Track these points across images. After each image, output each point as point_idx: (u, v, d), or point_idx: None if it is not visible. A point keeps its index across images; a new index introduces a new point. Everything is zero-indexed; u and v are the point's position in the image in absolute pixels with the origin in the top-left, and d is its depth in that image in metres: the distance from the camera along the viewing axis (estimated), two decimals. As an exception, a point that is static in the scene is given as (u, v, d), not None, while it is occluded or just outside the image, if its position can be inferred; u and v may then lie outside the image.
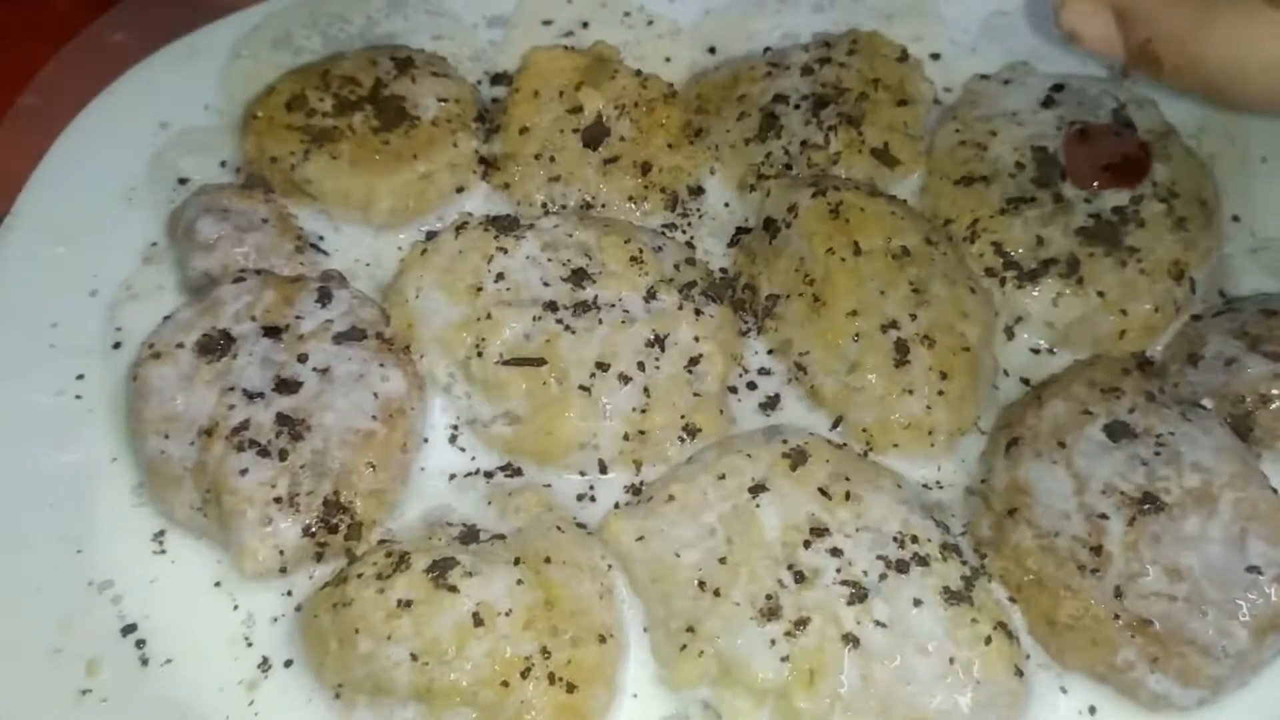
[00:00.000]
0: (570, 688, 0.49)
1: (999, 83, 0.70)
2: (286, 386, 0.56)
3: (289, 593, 0.54)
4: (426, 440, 0.59)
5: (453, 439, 0.59)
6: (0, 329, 0.61)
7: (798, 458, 0.54)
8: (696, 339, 0.59)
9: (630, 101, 0.68)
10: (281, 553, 0.53)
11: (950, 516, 0.57)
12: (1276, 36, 0.45)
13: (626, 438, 0.57)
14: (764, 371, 0.61)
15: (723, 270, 0.65)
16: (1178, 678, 0.50)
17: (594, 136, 0.67)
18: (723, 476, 0.54)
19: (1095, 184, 0.63)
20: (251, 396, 0.55)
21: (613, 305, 0.59)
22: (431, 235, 0.63)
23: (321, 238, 0.66)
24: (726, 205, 0.68)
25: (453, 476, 0.58)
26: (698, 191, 0.68)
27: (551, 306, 0.58)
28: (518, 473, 0.58)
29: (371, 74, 0.68)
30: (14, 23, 0.81)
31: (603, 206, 0.66)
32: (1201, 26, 0.48)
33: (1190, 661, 0.50)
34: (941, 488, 0.58)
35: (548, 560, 0.52)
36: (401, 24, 0.75)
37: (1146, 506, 0.52)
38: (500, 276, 0.59)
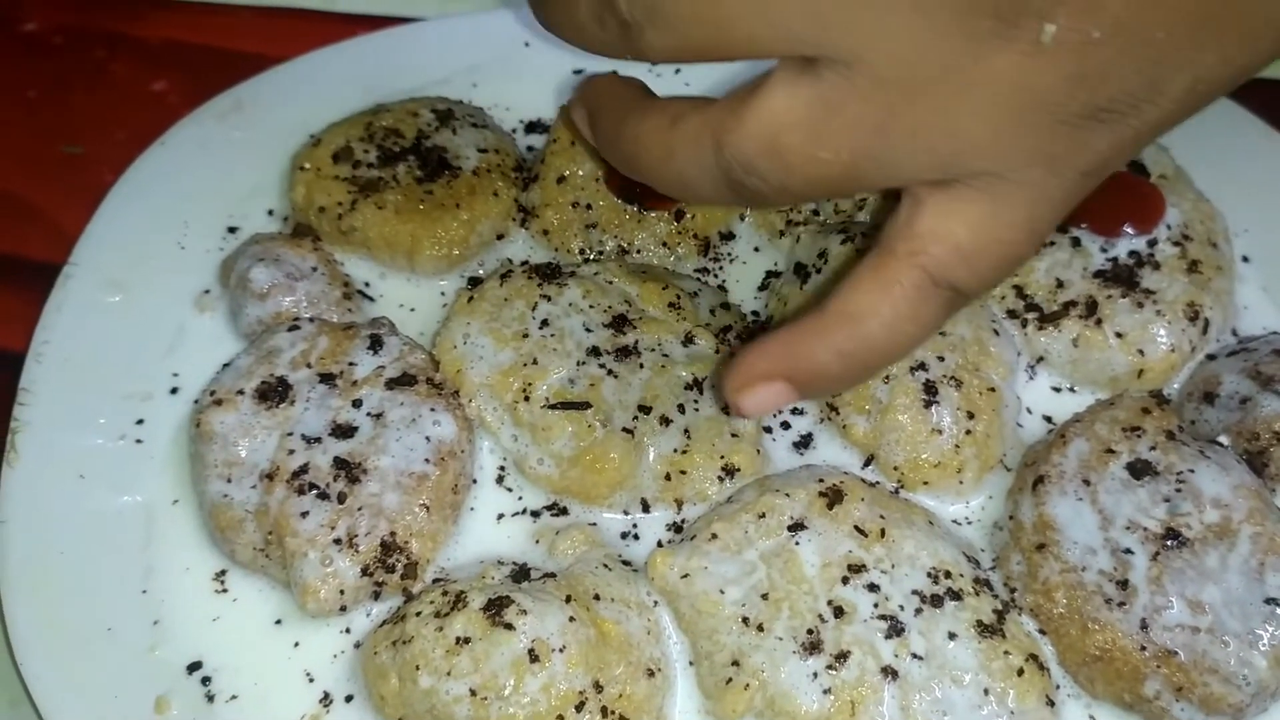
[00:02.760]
0: (622, 720, 0.52)
1: (1016, 129, 0.72)
2: (342, 431, 0.58)
3: (348, 630, 0.56)
4: (475, 481, 0.61)
5: (500, 480, 0.61)
6: (62, 376, 0.64)
7: (834, 496, 0.57)
8: (733, 381, 0.61)
9: (663, 151, 0.70)
10: (342, 592, 0.55)
11: (980, 552, 0.59)
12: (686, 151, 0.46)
13: (668, 477, 0.59)
14: (797, 412, 0.64)
15: (754, 313, 0.68)
16: (1201, 706, 0.53)
17: (628, 184, 0.69)
18: (763, 515, 0.56)
19: (1113, 228, 0.66)
20: (310, 441, 0.58)
21: (652, 350, 0.61)
22: (474, 282, 0.66)
23: (367, 284, 0.68)
24: (756, 250, 0.71)
25: (501, 516, 0.60)
26: (729, 237, 0.71)
27: (594, 351, 0.61)
28: (564, 512, 0.60)
29: (413, 125, 0.71)
30: (53, 71, 0.84)
31: (638, 252, 0.69)
32: (623, 126, 0.50)
33: (1213, 690, 0.52)
34: (970, 524, 0.60)
35: (597, 597, 0.54)
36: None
37: (1169, 542, 0.55)
38: (545, 323, 0.62)
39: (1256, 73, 0.44)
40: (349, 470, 0.57)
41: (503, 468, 0.61)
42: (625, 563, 0.58)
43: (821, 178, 0.42)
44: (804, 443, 0.63)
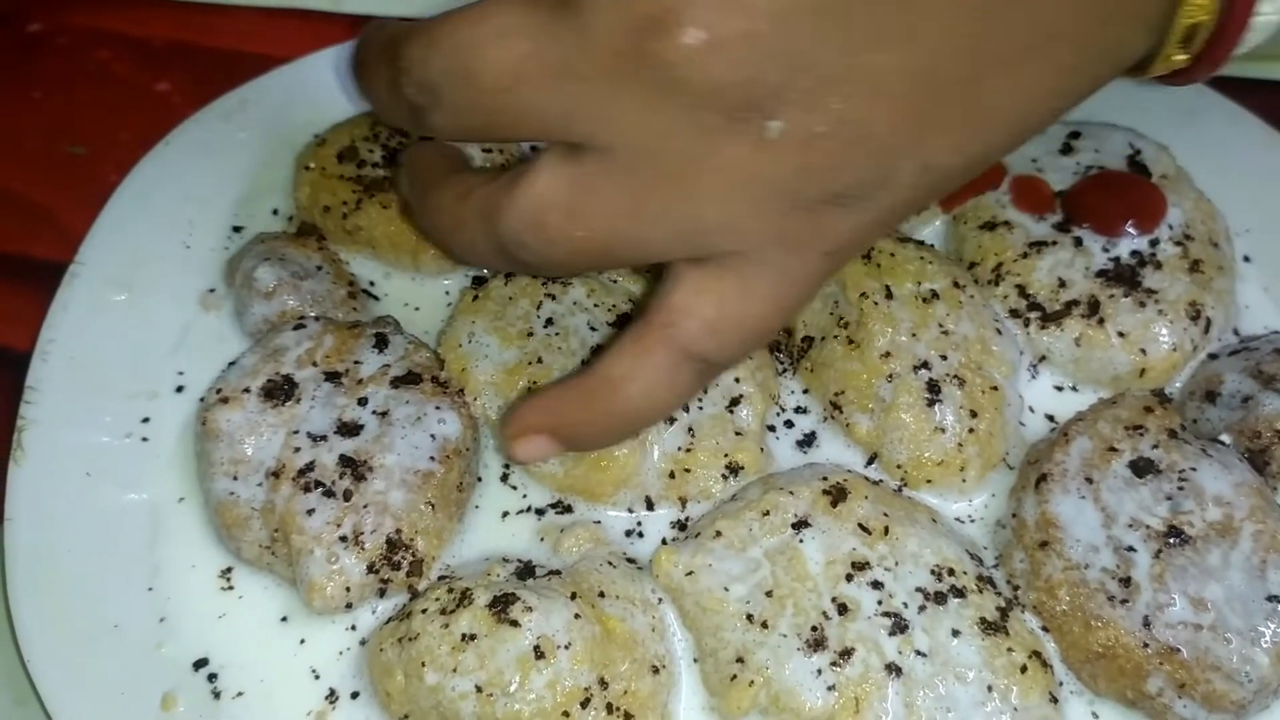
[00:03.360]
0: (627, 717, 0.52)
1: (1018, 130, 0.73)
2: (348, 429, 0.58)
3: (353, 627, 0.57)
4: (480, 479, 0.61)
5: (505, 478, 0.61)
6: (67, 374, 0.64)
7: (837, 494, 0.57)
8: (737, 380, 0.61)
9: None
10: (348, 589, 0.55)
11: (983, 550, 0.59)
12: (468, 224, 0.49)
13: (672, 475, 0.60)
14: (800, 410, 0.64)
15: (758, 312, 0.68)
16: (1204, 703, 0.53)
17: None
18: (767, 513, 0.57)
19: (1115, 229, 0.66)
20: (315, 439, 0.58)
21: (657, 348, 0.62)
22: (479, 281, 0.66)
23: (372, 283, 0.69)
24: (760, 249, 0.71)
25: (505, 514, 0.60)
26: (732, 236, 0.71)
27: (599, 350, 0.61)
28: (568, 510, 0.60)
29: (418, 125, 0.71)
30: (57, 71, 0.84)
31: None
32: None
33: (1216, 687, 0.53)
34: (973, 521, 0.61)
35: (602, 594, 0.55)
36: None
37: (1172, 539, 0.55)
38: (549, 322, 0.62)
39: (1006, 154, 0.47)
40: (355, 468, 0.57)
41: (507, 466, 0.62)
42: (630, 560, 0.58)
43: (581, 252, 0.46)
44: (807, 441, 0.63)
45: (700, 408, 0.60)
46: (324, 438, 0.58)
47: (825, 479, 0.58)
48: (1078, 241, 0.66)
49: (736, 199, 0.43)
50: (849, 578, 0.55)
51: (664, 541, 0.59)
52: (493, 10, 0.43)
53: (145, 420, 0.63)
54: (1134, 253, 0.66)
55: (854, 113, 0.41)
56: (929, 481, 0.60)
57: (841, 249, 0.46)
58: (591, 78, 0.42)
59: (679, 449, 0.60)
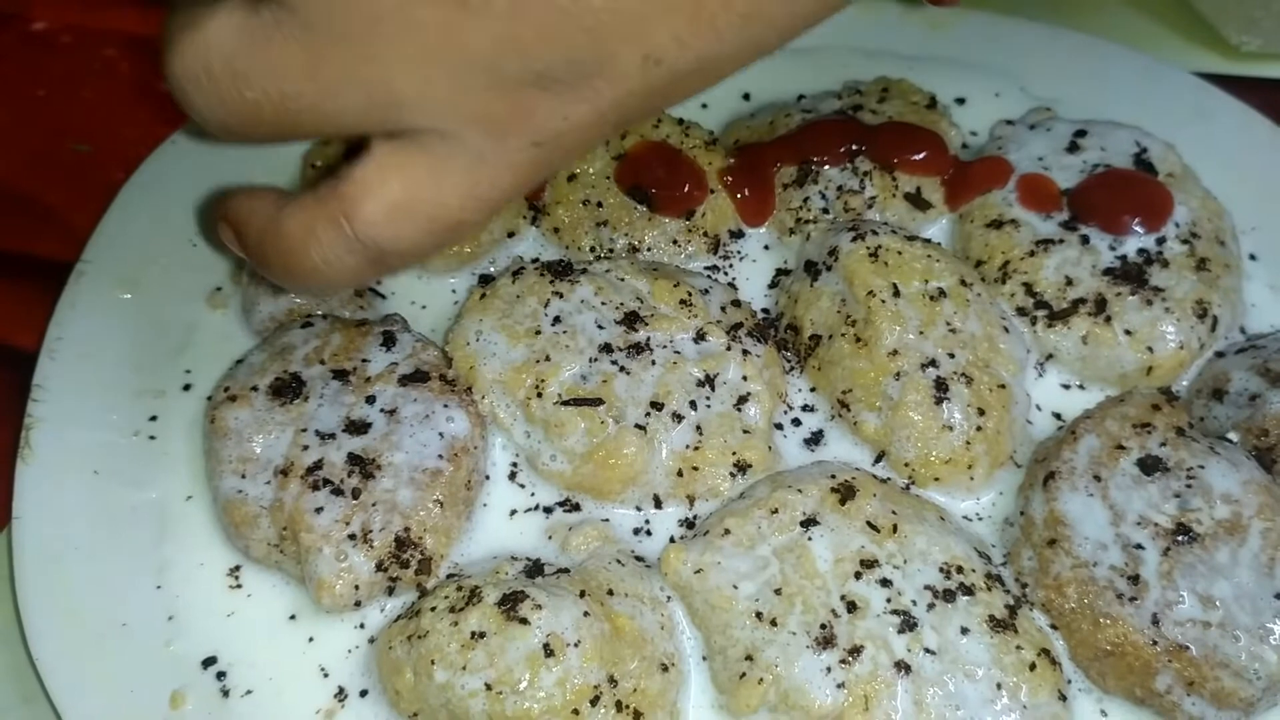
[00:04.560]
0: (637, 715, 0.52)
1: (1024, 128, 0.73)
2: (356, 428, 0.58)
3: (362, 625, 0.57)
4: (488, 477, 0.61)
5: (513, 476, 0.61)
6: (75, 373, 0.64)
7: (846, 492, 0.57)
8: (744, 378, 0.61)
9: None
10: (356, 587, 0.55)
11: (991, 547, 0.59)
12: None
13: (680, 473, 0.60)
14: (808, 408, 0.64)
15: (765, 311, 0.68)
16: (1212, 700, 0.53)
17: (638, 183, 0.69)
18: (775, 511, 0.57)
19: (1121, 227, 0.66)
20: (324, 437, 0.58)
21: (664, 346, 0.62)
22: (485, 279, 0.66)
23: (379, 281, 0.69)
24: (766, 248, 0.71)
25: (514, 512, 0.60)
26: (738, 235, 0.71)
27: (606, 348, 0.61)
28: (576, 508, 0.60)
29: (424, 124, 0.71)
30: (62, 70, 0.84)
31: (649, 250, 0.69)
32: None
33: (1224, 685, 0.53)
34: (981, 519, 0.61)
35: (610, 592, 0.55)
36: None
37: (1180, 537, 0.55)
38: (557, 320, 0.62)
39: (735, 65, 0.43)
40: (363, 466, 0.57)
41: (515, 464, 0.62)
42: (638, 558, 0.58)
43: (254, 118, 0.42)
44: (815, 439, 0.63)
45: (708, 406, 0.60)
46: (332, 436, 0.58)
47: (833, 477, 0.58)
48: (1084, 239, 0.66)
49: (432, 68, 0.39)
50: (858, 575, 0.55)
51: (672, 539, 0.59)
52: None
53: (153, 418, 0.63)
54: (1141, 251, 0.66)
55: None
56: (937, 479, 0.60)
57: (553, 141, 0.42)
58: None
59: (687, 447, 0.60)
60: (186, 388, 0.64)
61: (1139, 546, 0.55)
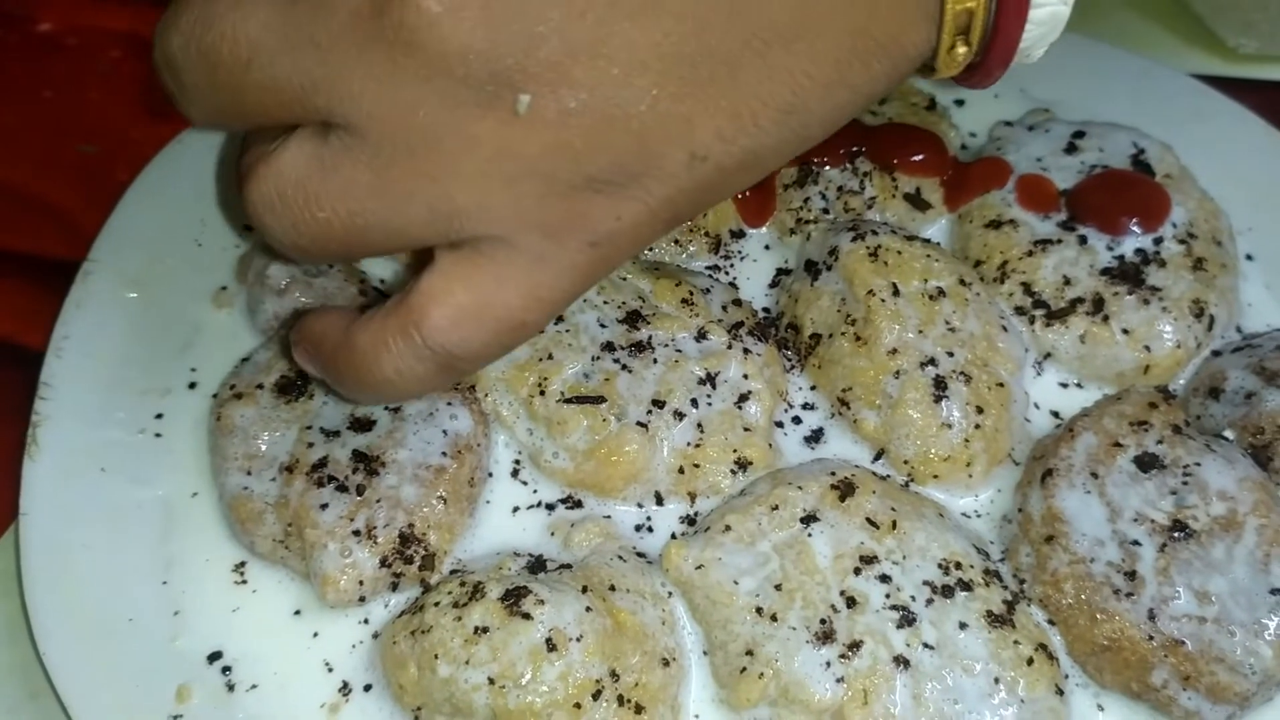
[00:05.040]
0: (638, 709, 0.52)
1: (1023, 129, 0.73)
2: (361, 425, 0.59)
3: (366, 620, 0.57)
4: (491, 474, 0.62)
5: (515, 473, 0.62)
6: (81, 371, 0.64)
7: (846, 489, 0.58)
8: (745, 376, 0.62)
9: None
10: (361, 583, 0.56)
11: (989, 544, 0.60)
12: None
13: (681, 471, 0.60)
14: (808, 406, 0.65)
15: (765, 310, 0.69)
16: (1208, 695, 0.53)
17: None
18: (775, 507, 0.57)
19: (1119, 227, 0.66)
20: (329, 435, 0.59)
21: (666, 345, 0.62)
22: (489, 278, 0.66)
23: (383, 280, 0.69)
24: (767, 248, 0.71)
25: (516, 509, 0.61)
26: (739, 235, 0.71)
27: (609, 347, 0.62)
28: (578, 505, 0.61)
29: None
30: (68, 71, 0.85)
31: (650, 249, 0.69)
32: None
33: (1220, 679, 0.53)
34: (979, 517, 0.61)
35: (612, 588, 0.55)
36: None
37: (1176, 534, 0.56)
38: (559, 318, 0.62)
39: (781, 157, 0.44)
40: (367, 463, 0.58)
41: (518, 461, 0.62)
42: (640, 554, 0.59)
43: (326, 236, 0.44)
44: (815, 437, 0.64)
45: (709, 404, 0.61)
46: (337, 433, 0.59)
47: (833, 474, 0.59)
48: (1082, 240, 0.67)
49: (489, 179, 0.41)
50: (857, 571, 0.55)
51: (673, 536, 0.60)
52: None
53: (159, 416, 0.64)
54: (1138, 251, 0.66)
55: (606, 87, 0.39)
56: (936, 477, 0.61)
57: (608, 241, 0.43)
58: (330, 47, 0.39)
59: (688, 444, 0.60)
60: (192, 386, 0.65)
61: (1136, 543, 0.56)
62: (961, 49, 0.41)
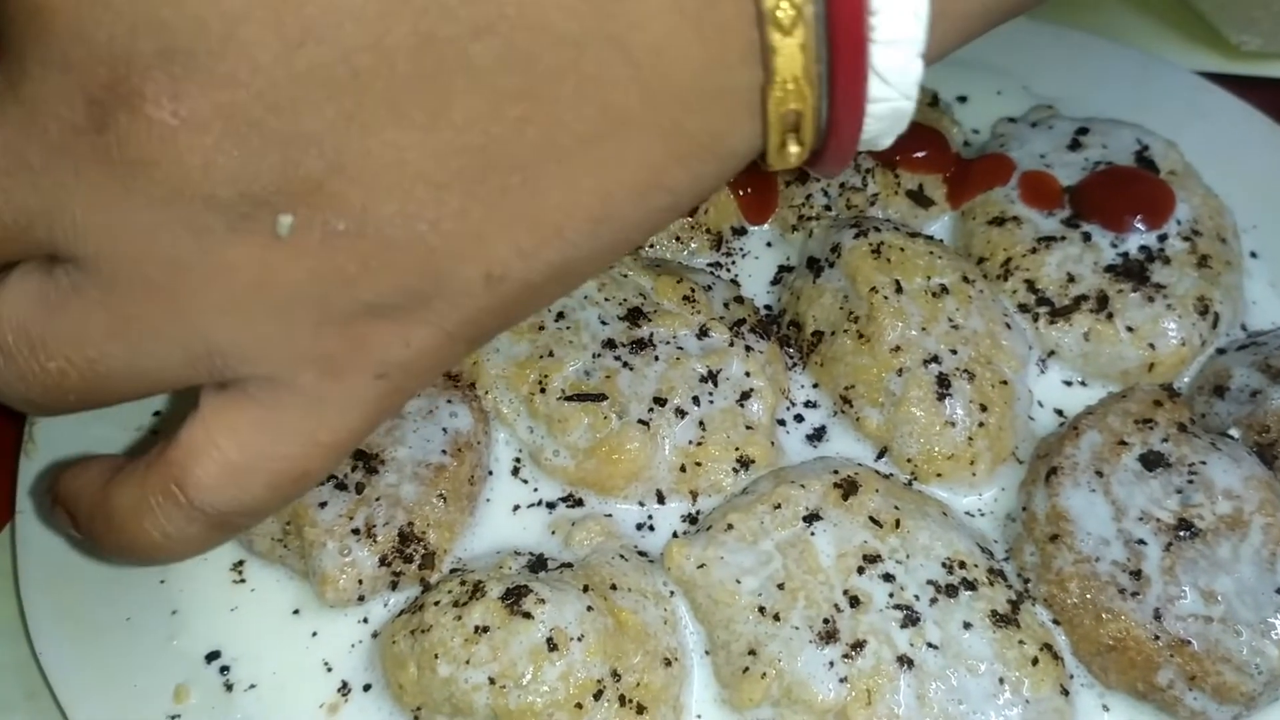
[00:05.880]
0: (640, 709, 0.52)
1: (1026, 125, 0.73)
2: (360, 422, 0.58)
3: (365, 620, 0.57)
4: (491, 473, 0.61)
5: (515, 471, 0.61)
6: (78, 368, 0.64)
7: (849, 488, 0.57)
8: (747, 374, 0.61)
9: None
10: (360, 582, 0.55)
11: (993, 543, 0.59)
12: None
13: (683, 469, 0.60)
14: (810, 404, 0.64)
15: (767, 307, 0.68)
16: (1214, 695, 0.53)
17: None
18: (778, 506, 0.57)
19: (1123, 224, 0.66)
20: (328, 432, 0.58)
21: (667, 342, 0.62)
22: (489, 275, 0.66)
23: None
24: (769, 245, 0.71)
25: (516, 507, 0.60)
26: (741, 232, 0.71)
27: (610, 344, 0.61)
28: (579, 503, 0.60)
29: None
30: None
31: (651, 246, 0.69)
32: None
33: (1226, 679, 0.53)
34: (983, 515, 0.61)
35: (614, 587, 0.55)
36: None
37: (1182, 533, 0.55)
38: (560, 315, 0.62)
39: (597, 266, 0.38)
40: (367, 461, 0.57)
41: (518, 459, 0.62)
42: (641, 553, 0.58)
43: (61, 387, 0.37)
44: (818, 435, 0.63)
45: (711, 402, 0.60)
46: (336, 431, 0.58)
47: (836, 472, 0.58)
48: (1086, 237, 0.66)
49: (252, 313, 0.35)
50: (860, 570, 0.55)
51: (675, 535, 0.59)
52: None
53: (156, 413, 0.63)
54: (1142, 248, 0.66)
55: (380, 205, 0.33)
56: (939, 475, 0.61)
57: (399, 370, 0.38)
58: (45, 169, 0.33)
59: (690, 443, 0.60)
60: (190, 383, 0.64)
61: (1141, 542, 0.55)
62: (794, 148, 0.36)
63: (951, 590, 0.54)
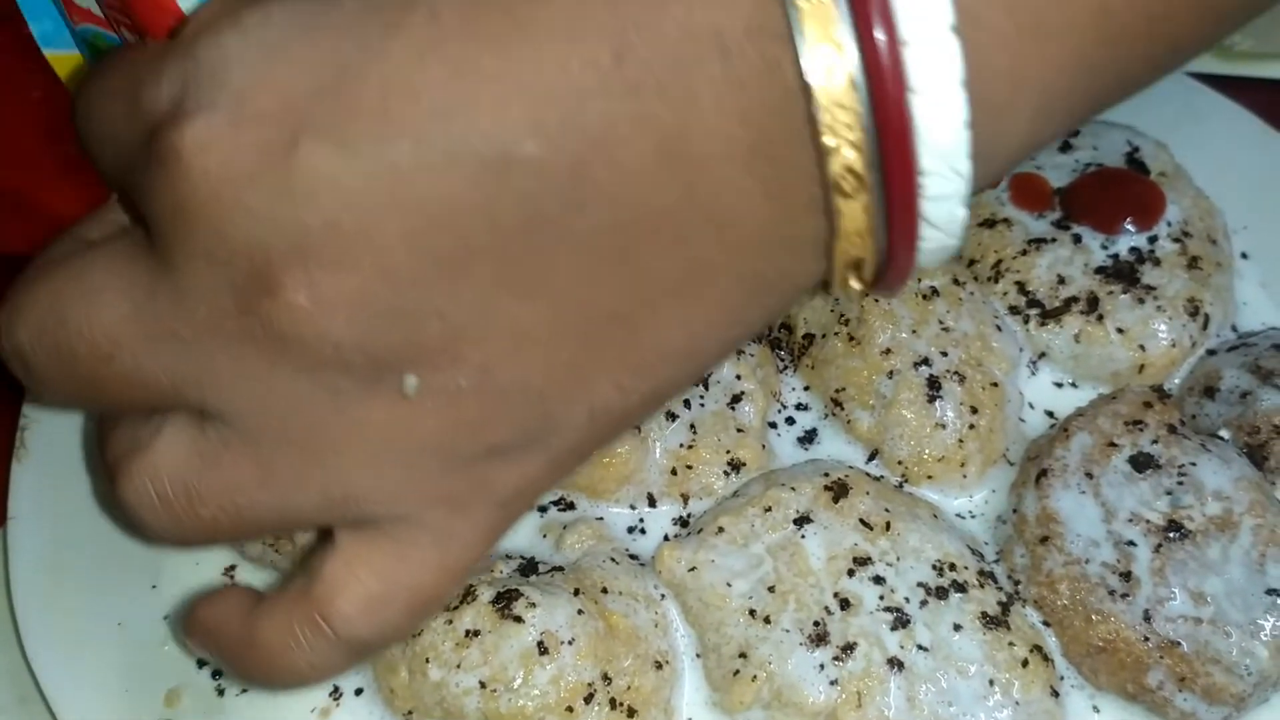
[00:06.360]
0: (631, 712, 0.52)
1: (1017, 128, 0.73)
2: (351, 427, 0.58)
3: (357, 624, 0.57)
4: (483, 476, 0.61)
5: (507, 475, 0.62)
6: (70, 373, 0.64)
7: (839, 490, 0.57)
8: (738, 377, 0.62)
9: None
10: (351, 586, 0.55)
11: (984, 545, 0.59)
12: None
13: (674, 472, 0.60)
14: (801, 407, 0.64)
15: (759, 310, 0.68)
16: (1204, 696, 0.53)
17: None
18: (769, 509, 0.57)
19: (1114, 225, 0.66)
20: (319, 437, 0.58)
21: (658, 346, 0.62)
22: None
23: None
24: (760, 247, 0.71)
25: (508, 511, 0.61)
26: (732, 234, 0.71)
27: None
28: (570, 506, 0.60)
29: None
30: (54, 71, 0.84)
31: (642, 250, 0.69)
32: None
33: (1215, 680, 0.53)
34: (974, 517, 0.61)
35: (605, 590, 0.55)
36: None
37: (1172, 534, 0.55)
38: (551, 319, 0.62)
39: (681, 390, 0.45)
40: (358, 465, 0.57)
41: (510, 463, 0.62)
42: (632, 557, 0.58)
43: (214, 530, 0.40)
44: (809, 438, 0.63)
45: (702, 405, 0.61)
46: (327, 435, 0.58)
47: (827, 475, 0.58)
48: (1076, 238, 0.66)
49: (385, 462, 0.39)
50: (851, 573, 0.55)
51: (666, 538, 0.59)
52: (87, 267, 0.38)
53: (148, 418, 0.63)
54: (1133, 249, 0.66)
55: (498, 364, 0.37)
56: (930, 477, 0.61)
57: (515, 498, 0.42)
58: (195, 341, 0.37)
59: (681, 446, 0.60)
60: (182, 388, 0.64)
61: (1131, 543, 0.55)
62: (855, 284, 0.40)
63: (942, 592, 0.55)
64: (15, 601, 0.57)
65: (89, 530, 0.59)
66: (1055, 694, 0.54)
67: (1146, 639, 0.53)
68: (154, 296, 0.37)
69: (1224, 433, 0.61)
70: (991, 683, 0.53)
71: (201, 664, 0.56)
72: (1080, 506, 0.57)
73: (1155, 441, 0.59)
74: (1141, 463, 0.58)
